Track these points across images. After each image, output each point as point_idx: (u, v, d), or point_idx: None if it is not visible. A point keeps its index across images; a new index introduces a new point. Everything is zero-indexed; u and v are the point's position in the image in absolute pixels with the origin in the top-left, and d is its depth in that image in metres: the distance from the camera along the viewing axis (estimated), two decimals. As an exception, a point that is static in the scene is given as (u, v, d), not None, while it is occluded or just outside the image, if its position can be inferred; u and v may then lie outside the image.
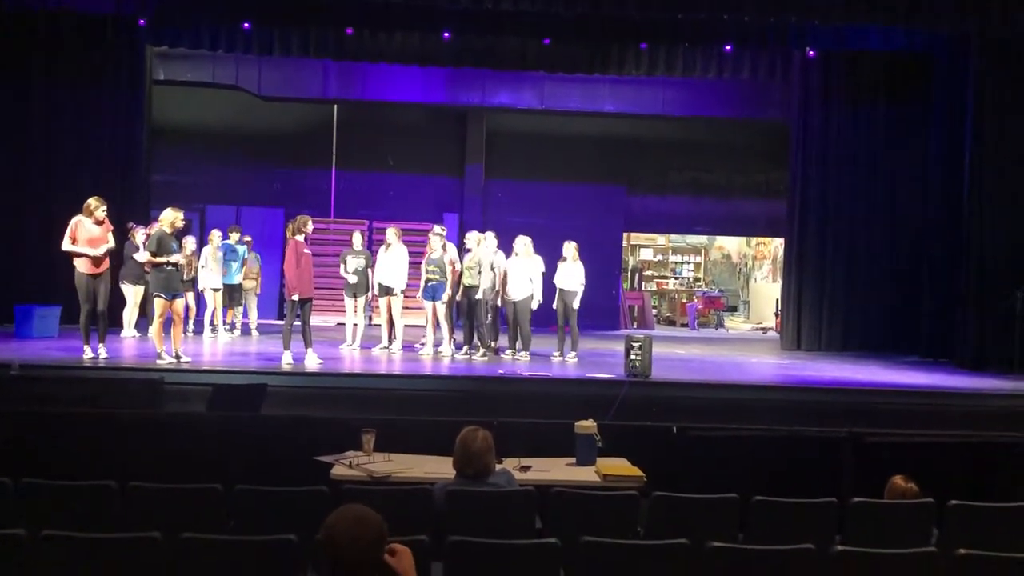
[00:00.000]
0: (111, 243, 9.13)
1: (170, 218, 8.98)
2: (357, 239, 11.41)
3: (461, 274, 10.70)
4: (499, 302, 10.92)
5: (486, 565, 3.86)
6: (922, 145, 12.74)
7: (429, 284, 10.73)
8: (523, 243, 10.73)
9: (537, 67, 13.32)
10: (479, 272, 10.55)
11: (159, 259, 8.84)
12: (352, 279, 11.09)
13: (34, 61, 12.45)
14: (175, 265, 9.00)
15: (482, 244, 10.75)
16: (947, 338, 11.91)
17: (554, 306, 10.87)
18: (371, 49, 12.80)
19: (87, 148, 12.58)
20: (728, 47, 12.79)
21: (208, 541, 3.82)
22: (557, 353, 10.81)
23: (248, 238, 12.64)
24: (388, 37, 12.63)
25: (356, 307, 11.19)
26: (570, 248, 10.86)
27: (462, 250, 11.17)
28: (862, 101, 13.14)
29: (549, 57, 12.97)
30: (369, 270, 11.21)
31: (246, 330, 12.39)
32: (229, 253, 12.05)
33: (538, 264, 10.75)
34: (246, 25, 12.47)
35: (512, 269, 10.68)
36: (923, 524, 4.79)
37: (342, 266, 11.25)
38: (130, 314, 11.27)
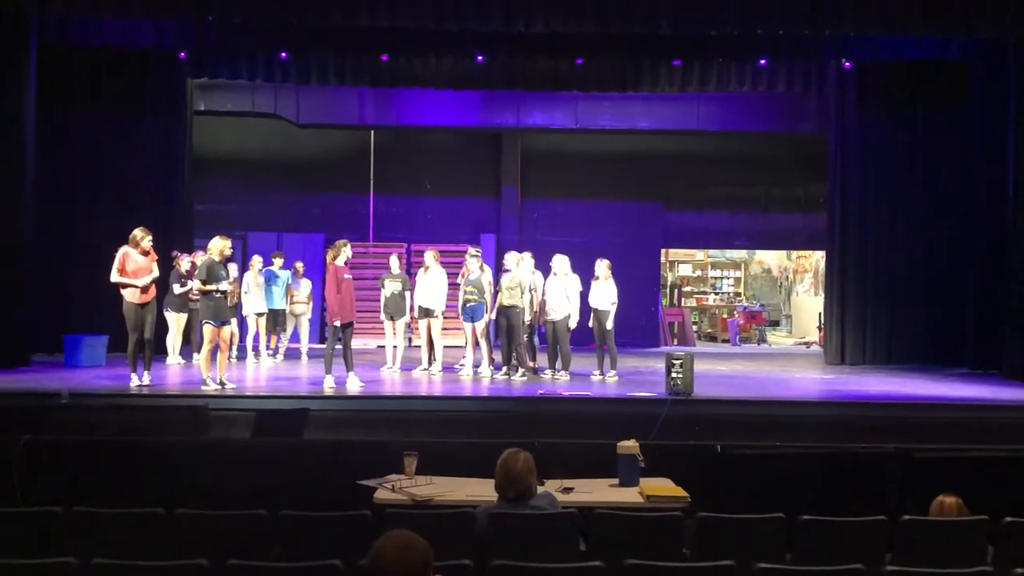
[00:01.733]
0: (156, 272, 9.30)
1: (219, 247, 9.13)
2: (394, 262, 11.50)
3: (498, 294, 10.72)
4: (538, 321, 10.92)
5: (530, 589, 3.84)
6: (962, 154, 12.54)
7: (468, 305, 10.77)
8: (560, 262, 10.74)
9: (570, 87, 13.33)
10: (520, 293, 10.57)
11: (209, 287, 8.98)
12: (389, 302, 11.17)
13: (76, 95, 12.75)
14: (223, 293, 9.15)
15: (521, 264, 10.77)
16: (995, 349, 11.67)
17: (589, 325, 10.84)
18: (406, 75, 12.94)
19: (130, 180, 12.84)
20: (762, 61, 12.72)
21: (254, 568, 3.85)
22: (597, 372, 10.77)
23: (300, 264, 12.80)
24: (422, 62, 12.76)
25: (395, 330, 11.26)
26: (602, 266, 10.82)
27: (501, 270, 11.19)
28: (899, 111, 12.99)
29: (582, 76, 12.99)
30: (407, 292, 11.28)
31: (296, 355, 12.50)
32: (271, 278, 12.21)
33: (575, 283, 10.75)
34: (283, 55, 12.68)
35: (550, 288, 10.70)
36: (977, 542, 4.67)
37: (381, 290, 11.35)
38: (174, 341, 11.45)
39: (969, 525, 4.75)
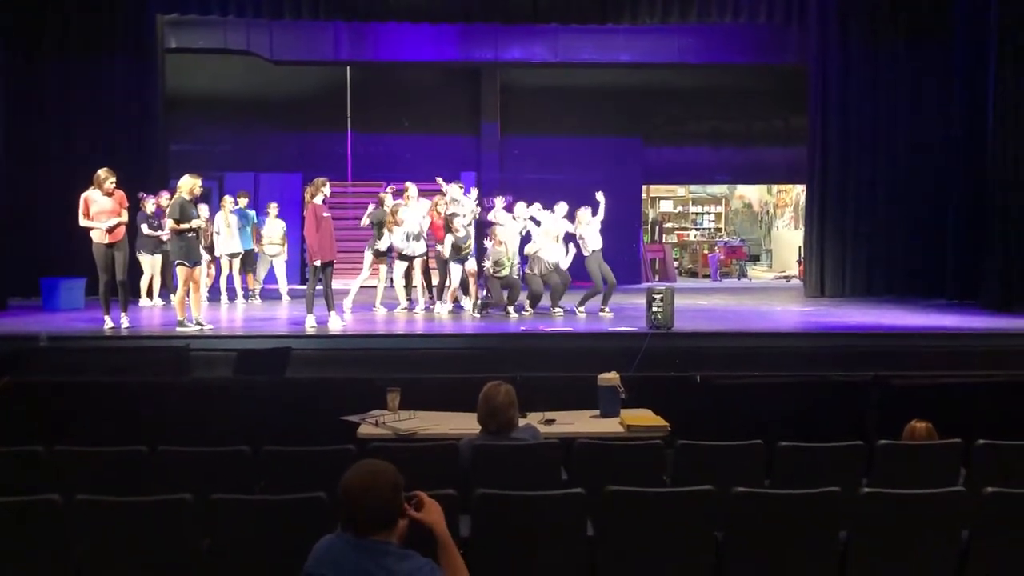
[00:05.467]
0: (124, 217, 9.14)
1: (189, 184, 8.98)
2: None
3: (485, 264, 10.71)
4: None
5: (513, 516, 3.89)
6: (944, 84, 12.48)
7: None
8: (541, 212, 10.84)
9: (549, 19, 13.14)
10: (509, 263, 10.58)
11: (182, 226, 8.87)
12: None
13: (45, 35, 12.40)
14: (196, 232, 9.05)
15: (505, 228, 10.71)
16: (973, 280, 11.78)
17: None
18: (380, 8, 12.69)
19: (102, 120, 12.58)
20: (743, -11, 12.57)
21: (238, 501, 3.88)
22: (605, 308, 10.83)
23: (274, 205, 12.62)
24: (397, -5, 12.51)
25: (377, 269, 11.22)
26: (586, 213, 10.89)
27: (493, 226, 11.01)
28: (881, 42, 12.87)
29: (561, 8, 12.80)
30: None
31: (276, 296, 12.42)
32: (240, 219, 12.05)
33: (558, 222, 10.79)
34: (255, -12, 12.39)
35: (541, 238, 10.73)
36: (950, 464, 4.78)
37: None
38: (147, 283, 11.36)
39: (942, 448, 4.84)
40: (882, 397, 6.91)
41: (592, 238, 10.79)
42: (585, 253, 10.79)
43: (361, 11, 12.77)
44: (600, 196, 10.94)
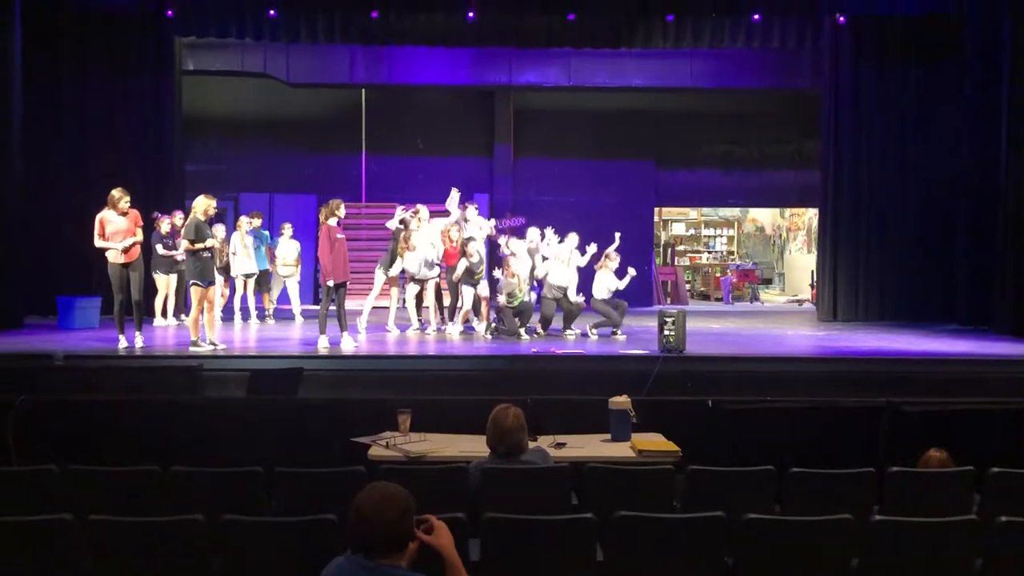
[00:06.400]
0: (140, 236, 9.21)
1: (203, 205, 9.05)
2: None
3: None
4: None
5: (522, 541, 3.88)
6: (956, 109, 12.49)
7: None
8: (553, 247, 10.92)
9: (563, 43, 13.21)
10: (520, 289, 10.61)
11: (197, 246, 8.93)
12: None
13: (65, 57, 12.57)
14: (211, 252, 9.11)
15: (517, 257, 10.75)
16: (986, 305, 11.73)
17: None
18: (396, 32, 12.80)
19: (120, 141, 12.72)
20: (756, 16, 12.60)
21: (250, 523, 3.89)
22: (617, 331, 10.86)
23: (288, 225, 12.70)
24: (413, 19, 12.63)
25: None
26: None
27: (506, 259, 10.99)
28: (893, 66, 12.89)
29: (575, 33, 12.87)
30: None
31: (289, 316, 12.47)
32: (255, 239, 12.12)
33: (567, 253, 10.86)
34: (272, 12, 12.50)
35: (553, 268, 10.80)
36: (963, 492, 4.74)
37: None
38: (162, 303, 11.44)
39: (955, 476, 4.81)
40: (894, 423, 6.86)
41: (604, 281, 10.82)
42: (595, 294, 10.82)
43: (377, 35, 12.88)
44: (616, 237, 11.03)
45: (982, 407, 7.21)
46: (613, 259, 10.87)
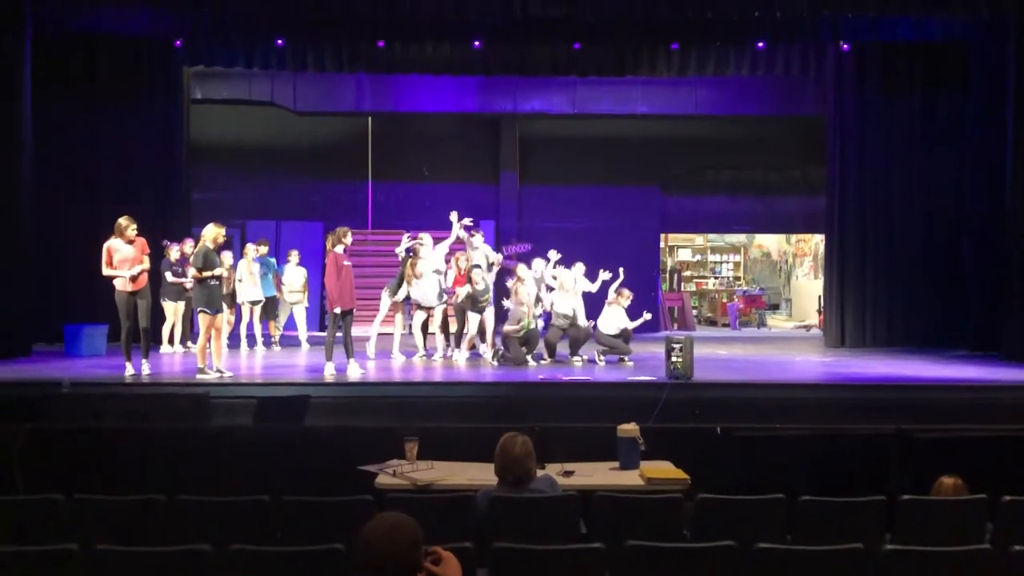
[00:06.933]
0: (147, 264, 9.24)
1: (213, 234, 9.10)
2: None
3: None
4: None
5: (531, 570, 3.85)
6: (961, 135, 12.53)
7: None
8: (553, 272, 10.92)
9: (568, 72, 13.30)
10: (527, 318, 10.58)
11: (205, 274, 8.96)
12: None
13: (73, 85, 12.67)
14: (219, 280, 9.14)
15: (525, 287, 10.77)
16: (994, 331, 11.67)
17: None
18: (403, 61, 12.90)
19: (128, 169, 12.78)
20: (760, 44, 12.68)
21: (256, 553, 3.86)
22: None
23: (295, 253, 12.74)
24: (419, 48, 12.72)
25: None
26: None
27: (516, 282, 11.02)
28: (898, 93, 12.94)
29: (580, 61, 12.95)
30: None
31: (296, 342, 12.48)
32: (262, 266, 12.16)
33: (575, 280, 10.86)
34: (279, 42, 12.62)
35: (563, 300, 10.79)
36: (976, 520, 4.70)
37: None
38: (169, 330, 11.45)
39: (967, 504, 4.77)
40: (905, 450, 6.82)
41: (614, 318, 10.82)
42: (601, 328, 10.82)
43: (383, 63, 12.98)
44: (621, 272, 11.09)
45: (992, 434, 7.16)
46: (626, 297, 10.88)
